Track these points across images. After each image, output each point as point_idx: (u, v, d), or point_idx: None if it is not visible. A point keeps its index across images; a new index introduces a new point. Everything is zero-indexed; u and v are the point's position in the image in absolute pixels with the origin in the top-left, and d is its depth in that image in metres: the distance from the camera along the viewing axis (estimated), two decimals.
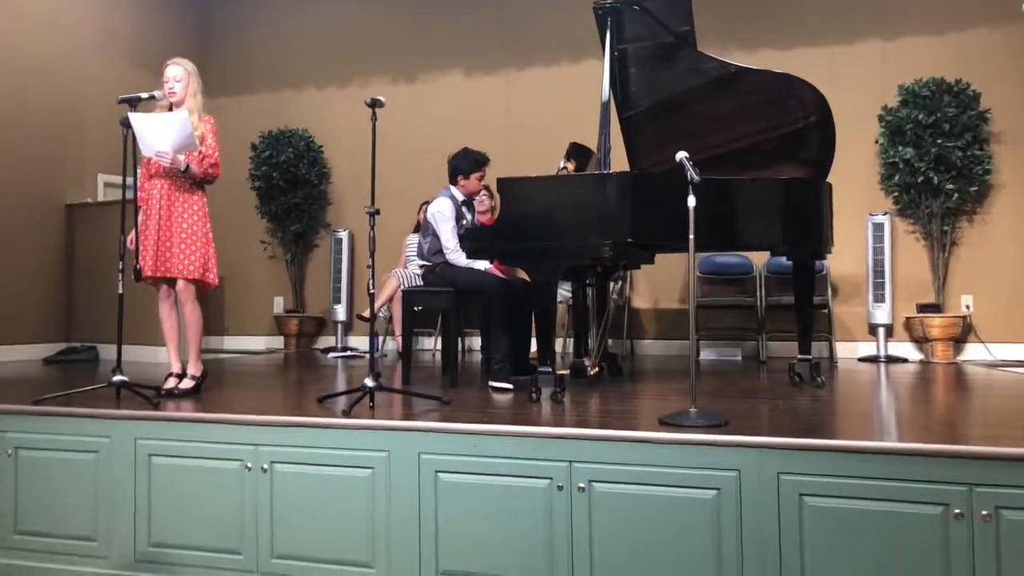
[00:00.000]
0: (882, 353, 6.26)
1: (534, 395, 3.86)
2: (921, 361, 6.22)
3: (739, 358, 6.44)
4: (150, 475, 3.41)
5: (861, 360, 6.29)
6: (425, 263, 4.90)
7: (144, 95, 4.07)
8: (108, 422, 3.50)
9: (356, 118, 3.98)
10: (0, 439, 3.60)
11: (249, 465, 3.29)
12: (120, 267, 4.03)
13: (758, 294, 6.48)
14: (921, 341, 6.27)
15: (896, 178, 6.25)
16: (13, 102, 6.48)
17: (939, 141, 6.07)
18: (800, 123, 4.66)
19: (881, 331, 6.29)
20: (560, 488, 2.94)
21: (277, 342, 7.79)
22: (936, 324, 6.06)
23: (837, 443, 2.79)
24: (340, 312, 7.52)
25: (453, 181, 4.91)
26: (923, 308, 6.17)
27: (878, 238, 6.26)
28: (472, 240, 4.37)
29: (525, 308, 4.75)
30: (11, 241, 6.40)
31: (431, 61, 7.72)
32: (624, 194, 3.91)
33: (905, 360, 6.23)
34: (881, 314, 6.25)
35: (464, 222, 4.85)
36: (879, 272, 6.26)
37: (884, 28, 6.59)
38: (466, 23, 7.62)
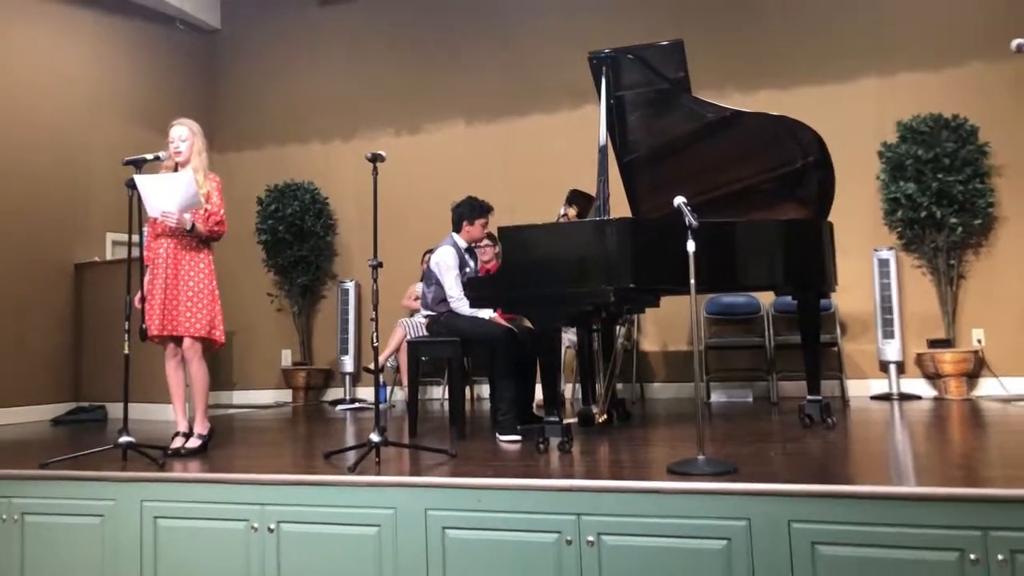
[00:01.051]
0: (894, 390, 6.19)
1: (541, 446, 3.83)
2: (934, 398, 6.15)
3: (750, 399, 6.39)
4: (156, 538, 3.38)
5: (873, 398, 6.23)
6: (430, 312, 4.90)
7: (149, 156, 4.13)
8: (114, 484, 3.49)
9: (361, 170, 4.02)
10: (7, 505, 3.58)
11: (255, 525, 3.26)
12: (126, 327, 4.05)
13: (766, 334, 6.44)
14: (933, 377, 6.20)
15: (899, 213, 6.25)
16: (23, 160, 6.59)
17: (940, 176, 6.08)
18: (799, 163, 4.70)
19: (892, 368, 6.22)
20: (569, 542, 2.90)
21: (285, 395, 7.77)
22: (948, 360, 6.00)
23: (849, 489, 2.74)
24: (348, 363, 7.51)
25: (457, 228, 4.94)
26: (934, 343, 6.11)
27: (884, 273, 6.24)
28: (475, 289, 4.38)
29: (531, 356, 4.73)
30: (20, 300, 6.46)
31: (433, 111, 7.82)
32: (625, 240, 3.92)
33: (918, 397, 6.16)
34: (891, 351, 6.20)
35: (467, 270, 4.86)
36: (887, 308, 6.22)
37: (880, 65, 6.64)
38: (466, 73, 7.73)
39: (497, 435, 4.40)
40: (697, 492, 2.84)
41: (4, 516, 3.57)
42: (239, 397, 7.97)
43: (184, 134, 4.16)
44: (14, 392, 6.30)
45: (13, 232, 6.44)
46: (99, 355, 6.57)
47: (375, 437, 3.59)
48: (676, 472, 3.06)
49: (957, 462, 3.43)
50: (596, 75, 4.58)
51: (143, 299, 4.09)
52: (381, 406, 6.75)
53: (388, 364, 6.86)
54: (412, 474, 3.37)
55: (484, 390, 6.86)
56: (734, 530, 2.73)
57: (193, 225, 4.05)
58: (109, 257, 7.12)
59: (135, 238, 4.12)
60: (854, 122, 6.51)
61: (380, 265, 3.92)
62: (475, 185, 5.67)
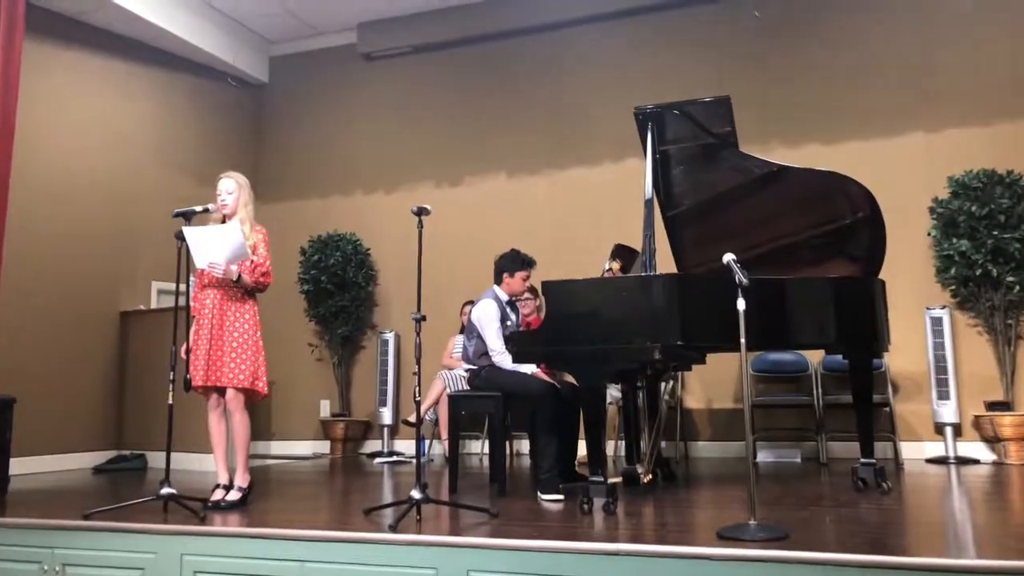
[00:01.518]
0: (951, 454, 5.96)
1: (585, 506, 3.73)
2: (993, 462, 5.91)
3: (798, 459, 6.20)
4: None
5: (929, 461, 6.00)
6: (471, 367, 4.86)
7: (198, 208, 4.19)
8: (155, 537, 3.47)
9: (402, 221, 4.04)
10: (49, 555, 3.57)
11: None
12: (171, 377, 4.07)
13: (815, 392, 6.28)
14: (992, 441, 5.97)
15: (953, 271, 6.09)
16: (74, 209, 6.75)
17: (995, 233, 5.93)
18: (848, 219, 4.63)
19: (948, 430, 6.00)
20: None
21: (323, 446, 7.74)
22: (1007, 423, 5.77)
23: (907, 560, 2.62)
24: (386, 416, 7.46)
25: (498, 281, 4.92)
26: (992, 406, 5.89)
27: (938, 332, 6.06)
28: (518, 343, 4.33)
29: (573, 413, 4.65)
30: (66, 346, 6.54)
31: (475, 165, 7.88)
32: (672, 296, 3.86)
33: (976, 461, 5.92)
34: (947, 412, 5.98)
35: (509, 323, 4.82)
36: (941, 368, 6.03)
37: (929, 119, 6.55)
38: (508, 126, 7.80)
39: (539, 493, 4.31)
40: (748, 559, 2.74)
41: (46, 567, 3.56)
42: (277, 447, 7.95)
43: (231, 187, 4.23)
44: (57, 439, 6.34)
45: (61, 279, 6.57)
46: (141, 403, 6.62)
47: (416, 494, 3.53)
48: (726, 537, 2.96)
49: (1018, 532, 3.26)
50: (642, 130, 4.57)
51: (188, 350, 4.12)
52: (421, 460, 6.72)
53: (427, 418, 6.80)
54: (453, 533, 3.31)
55: (523, 445, 6.77)
56: None
57: (239, 276, 4.09)
58: (154, 306, 7.22)
59: (182, 287, 4.17)
60: (903, 177, 6.41)
61: (423, 318, 3.90)
62: (516, 238, 5.67)
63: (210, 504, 3.96)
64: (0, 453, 4.82)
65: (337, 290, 7.79)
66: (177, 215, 4.14)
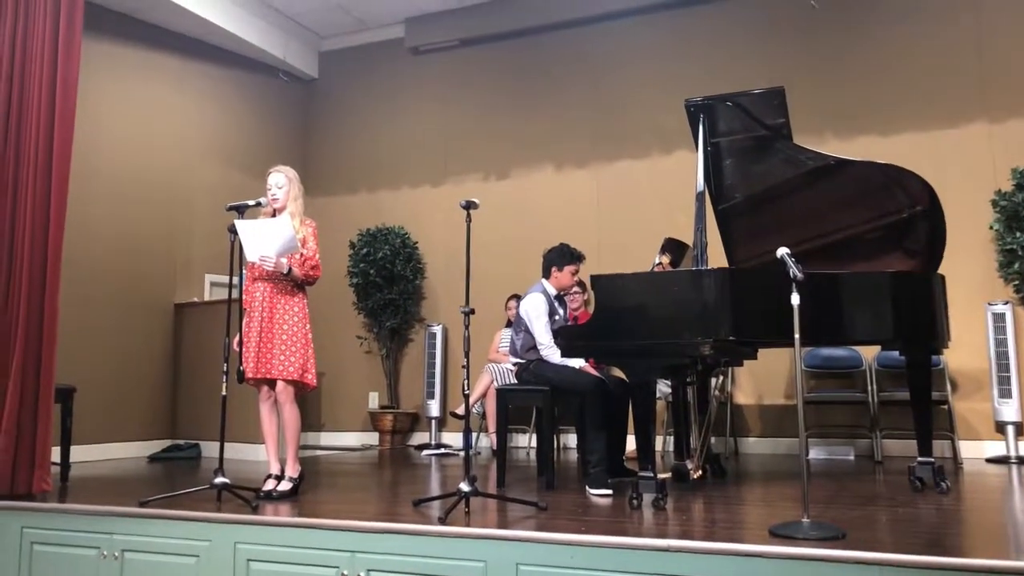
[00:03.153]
0: (1012, 453, 5.78)
1: (634, 502, 3.70)
2: None
3: (851, 457, 6.07)
4: None
5: (989, 461, 5.83)
6: (519, 360, 4.85)
7: (251, 202, 4.25)
8: (210, 525, 3.53)
9: (449, 214, 4.05)
10: (108, 541, 3.66)
11: (346, 572, 3.24)
12: (224, 368, 4.14)
13: (869, 389, 6.14)
14: None
15: (1016, 265, 5.90)
16: (130, 203, 6.90)
17: None
18: (906, 212, 4.51)
19: (1010, 429, 5.82)
20: None
21: (371, 438, 7.82)
22: None
23: (967, 562, 2.55)
24: (434, 408, 7.51)
25: (547, 275, 4.90)
26: None
27: (999, 329, 5.88)
28: (566, 337, 4.31)
29: (621, 407, 4.62)
30: (122, 338, 6.70)
31: (522, 157, 7.86)
32: (723, 290, 3.81)
33: None
34: (1009, 411, 5.81)
35: (557, 317, 4.80)
36: (1003, 365, 5.85)
37: (990, 110, 6.35)
38: (556, 119, 7.76)
39: (588, 488, 4.29)
40: (801, 558, 2.69)
41: (105, 552, 3.65)
42: (326, 439, 8.06)
43: (281, 181, 4.27)
44: (114, 428, 6.51)
45: (118, 273, 6.73)
46: (195, 394, 6.75)
47: (465, 487, 3.54)
48: (779, 535, 2.91)
49: None
50: (693, 122, 4.51)
51: (240, 342, 4.18)
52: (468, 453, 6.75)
53: (475, 411, 6.82)
54: (501, 526, 3.30)
55: (571, 439, 6.75)
56: None
57: (290, 269, 4.14)
58: (207, 298, 7.36)
59: (234, 280, 4.23)
60: (962, 169, 6.22)
61: (472, 312, 3.91)
62: (563, 231, 5.64)
63: (262, 494, 4.02)
64: (62, 440, 4.95)
65: (385, 283, 7.85)
66: (231, 208, 4.20)
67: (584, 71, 7.73)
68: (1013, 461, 5.71)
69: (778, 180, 4.70)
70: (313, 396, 8.06)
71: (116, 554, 3.62)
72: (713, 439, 5.70)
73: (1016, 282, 5.98)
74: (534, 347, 4.72)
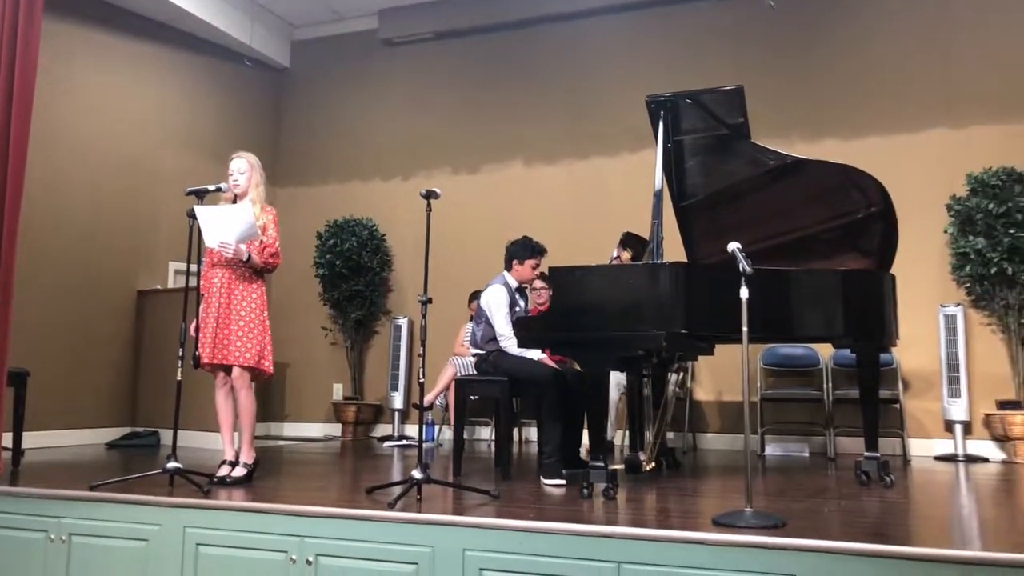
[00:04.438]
0: (960, 452, 5.91)
1: (585, 491, 3.75)
2: (1003, 461, 5.85)
3: (806, 454, 6.18)
4: (197, 564, 3.40)
5: (937, 458, 5.96)
6: (478, 351, 4.88)
7: (211, 187, 4.24)
8: (159, 509, 3.53)
9: (418, 208, 4.05)
10: (56, 525, 3.64)
11: (294, 557, 3.25)
12: (180, 354, 4.13)
13: (825, 387, 6.25)
14: (1002, 440, 5.91)
15: (968, 268, 6.03)
16: (94, 188, 6.84)
17: (1012, 231, 5.86)
18: (861, 213, 4.60)
19: (958, 428, 5.96)
20: None
21: (335, 429, 7.81)
22: (1018, 422, 5.71)
23: (905, 550, 2.62)
24: (397, 400, 7.52)
25: (508, 267, 4.94)
26: (1003, 405, 5.83)
27: (951, 330, 6.01)
28: (524, 328, 4.35)
29: (579, 399, 4.66)
30: (83, 325, 6.64)
31: (492, 153, 7.89)
32: (678, 284, 3.86)
33: (985, 460, 5.87)
34: (957, 410, 5.94)
35: (517, 309, 4.84)
36: (953, 366, 5.98)
37: (949, 117, 6.48)
38: (527, 114, 7.79)
39: (542, 478, 4.33)
40: (741, 545, 2.74)
41: (52, 536, 3.63)
42: (289, 429, 8.04)
43: (243, 167, 4.27)
44: (72, 414, 6.45)
45: (80, 257, 6.66)
46: (155, 382, 6.70)
47: (417, 474, 3.57)
48: (721, 524, 2.97)
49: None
50: (654, 119, 4.56)
51: (198, 328, 4.17)
52: (429, 444, 6.77)
53: (438, 403, 6.84)
54: (451, 513, 3.33)
55: (533, 432, 6.79)
56: None
57: (249, 256, 4.13)
58: (171, 285, 7.31)
59: (193, 267, 4.22)
60: (921, 174, 6.35)
61: (430, 301, 3.93)
62: (532, 226, 5.67)
63: (216, 479, 4.01)
64: (14, 424, 4.90)
65: (352, 275, 7.84)
66: (190, 192, 4.19)
67: (555, 68, 7.77)
68: (960, 459, 5.84)
69: (738, 179, 4.76)
70: (277, 387, 8.04)
71: (64, 538, 3.60)
72: (672, 434, 5.78)
73: (968, 285, 6.12)
74: (494, 338, 4.76)
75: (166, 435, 6.55)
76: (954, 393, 5.94)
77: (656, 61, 7.30)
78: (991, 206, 5.93)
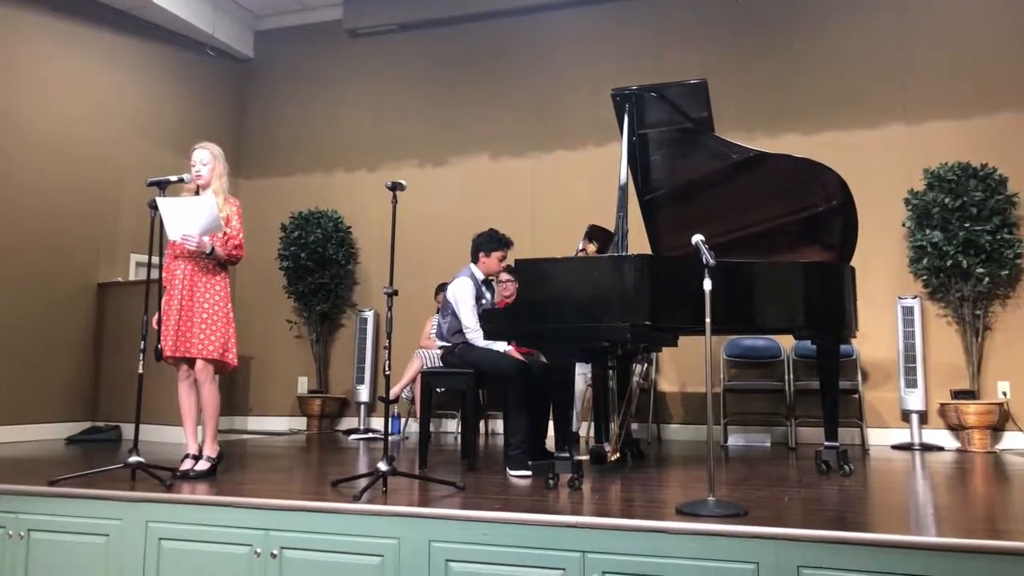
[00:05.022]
0: (916, 440, 6.06)
1: (551, 482, 3.77)
2: (957, 449, 6.01)
3: (768, 444, 6.28)
4: (159, 559, 3.37)
5: (894, 447, 6.09)
6: (444, 343, 4.88)
7: (173, 178, 4.17)
8: (120, 504, 3.48)
9: (384, 200, 4.04)
10: (13, 520, 3.58)
11: (258, 551, 3.23)
12: (142, 347, 4.08)
13: (787, 378, 6.35)
14: (957, 428, 6.06)
15: (925, 261, 6.17)
16: (54, 180, 6.72)
17: (967, 225, 6.00)
18: (822, 207, 4.67)
19: (914, 418, 6.10)
20: None
21: (300, 423, 7.76)
22: (972, 411, 5.87)
23: (863, 536, 2.67)
24: (363, 393, 7.49)
25: (475, 259, 4.94)
26: (958, 394, 5.98)
27: (908, 322, 6.14)
28: (490, 321, 4.35)
29: (545, 391, 4.68)
30: (43, 317, 6.53)
31: (458, 145, 7.88)
32: (642, 276, 3.89)
33: (941, 448, 6.02)
34: (914, 400, 6.08)
35: (484, 301, 4.85)
36: (911, 357, 6.12)
37: (908, 112, 6.61)
38: (493, 107, 7.80)
39: (508, 469, 4.35)
40: (705, 534, 2.78)
41: (11, 532, 3.57)
42: (254, 423, 7.98)
43: (206, 158, 4.21)
44: (30, 409, 6.34)
45: (40, 250, 6.55)
46: (117, 375, 6.61)
47: (383, 466, 3.57)
48: (684, 512, 3.01)
49: (979, 515, 3.33)
50: (619, 112, 4.59)
51: (159, 320, 4.12)
52: (395, 437, 6.76)
53: (404, 395, 6.84)
54: (419, 505, 3.33)
55: (499, 425, 6.81)
56: (742, 573, 2.67)
57: (212, 248, 4.08)
58: (132, 278, 7.20)
59: (155, 259, 4.16)
60: (880, 168, 6.47)
61: (395, 293, 3.92)
62: (498, 219, 5.69)
63: (178, 473, 3.97)
64: None
65: (317, 267, 7.78)
66: (151, 184, 4.13)
67: (521, 60, 7.78)
68: (916, 447, 5.98)
69: (702, 173, 4.82)
70: (241, 380, 7.97)
71: (22, 534, 3.55)
72: (636, 425, 5.83)
73: (925, 277, 6.25)
74: (460, 330, 4.76)
75: (127, 429, 6.46)
76: (911, 383, 6.08)
77: (621, 55, 7.34)
78: (947, 200, 6.06)
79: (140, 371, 4.07)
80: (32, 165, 6.52)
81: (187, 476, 3.99)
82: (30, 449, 5.66)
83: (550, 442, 4.84)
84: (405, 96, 8.13)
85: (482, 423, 6.76)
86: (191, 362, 4.13)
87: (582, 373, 5.88)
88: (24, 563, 3.53)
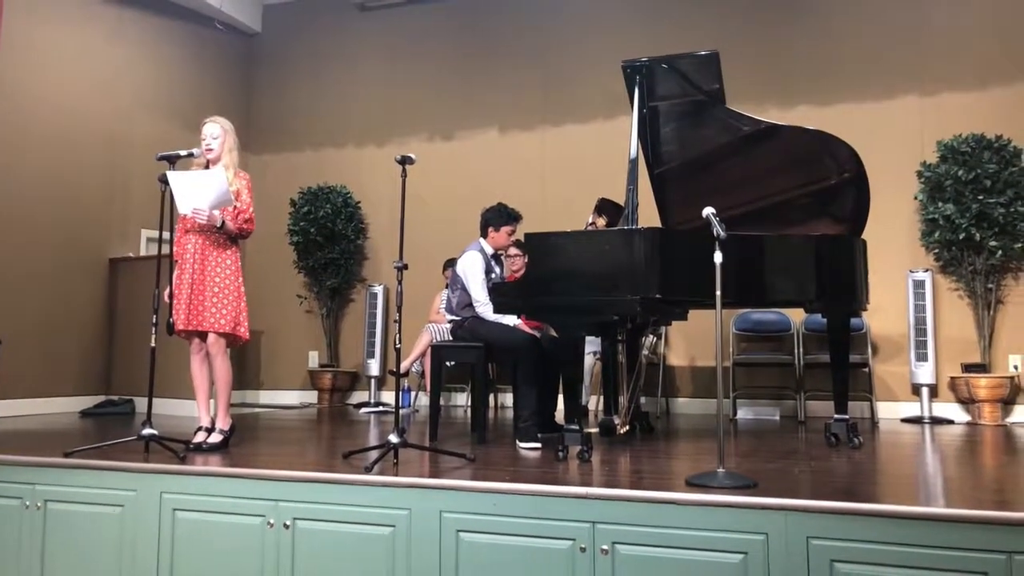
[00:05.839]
0: (926, 414, 6.06)
1: (560, 453, 3.80)
2: (968, 423, 6.01)
3: (777, 418, 6.29)
4: (174, 529, 3.41)
5: (904, 421, 6.10)
6: (454, 317, 4.90)
7: (183, 152, 4.18)
8: (135, 476, 3.52)
9: (393, 175, 4.04)
10: (30, 491, 3.63)
11: (271, 521, 3.27)
12: (154, 321, 4.10)
13: (796, 352, 6.35)
14: (967, 402, 6.05)
15: (937, 234, 6.13)
16: (64, 155, 6.73)
17: (980, 197, 5.95)
18: (834, 179, 4.64)
19: (925, 391, 6.09)
20: (583, 550, 2.87)
21: (311, 397, 7.82)
22: (983, 385, 5.85)
23: (870, 507, 2.69)
24: (373, 367, 7.53)
25: (484, 234, 4.94)
26: (968, 368, 5.97)
27: (919, 295, 6.12)
28: (499, 294, 4.36)
29: (554, 365, 4.70)
30: (55, 293, 6.57)
31: (467, 119, 7.85)
32: (652, 250, 3.88)
33: (951, 421, 6.02)
34: (924, 374, 6.07)
35: (493, 275, 4.85)
36: (921, 330, 6.10)
37: (922, 84, 6.54)
38: (502, 81, 7.75)
39: (517, 442, 4.38)
40: (714, 505, 2.80)
41: (28, 503, 3.62)
42: (265, 397, 8.04)
43: (216, 131, 4.20)
44: (45, 383, 6.41)
45: (52, 225, 6.57)
46: (130, 350, 6.66)
47: (394, 438, 3.59)
48: (694, 484, 3.02)
49: (988, 486, 3.33)
50: (630, 84, 4.56)
51: (171, 294, 4.14)
52: (405, 410, 6.80)
53: (414, 369, 6.87)
54: (429, 476, 3.36)
55: (508, 398, 6.84)
56: (751, 544, 2.69)
57: (223, 222, 4.09)
58: (143, 253, 7.23)
59: (166, 234, 4.17)
60: (893, 141, 6.41)
61: (405, 267, 3.93)
62: (508, 193, 5.67)
63: (191, 446, 4.01)
64: None
65: (326, 242, 7.80)
66: (161, 158, 4.13)
67: (531, 34, 7.72)
68: (927, 421, 5.98)
69: (713, 145, 4.78)
70: (252, 354, 8.02)
71: (39, 504, 3.60)
72: (644, 399, 5.85)
73: (936, 251, 6.22)
74: (469, 304, 4.77)
75: (141, 403, 6.52)
76: (921, 357, 6.07)
77: (631, 27, 7.28)
78: (960, 173, 6.01)
79: (153, 345, 4.10)
80: (43, 140, 6.52)
81: (200, 448, 4.03)
82: (46, 422, 5.73)
83: (559, 415, 4.88)
84: (414, 70, 8.08)
85: (492, 396, 6.79)
86: (203, 336, 4.15)
87: (592, 351, 5.90)
88: (42, 533, 3.58)
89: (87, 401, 6.67)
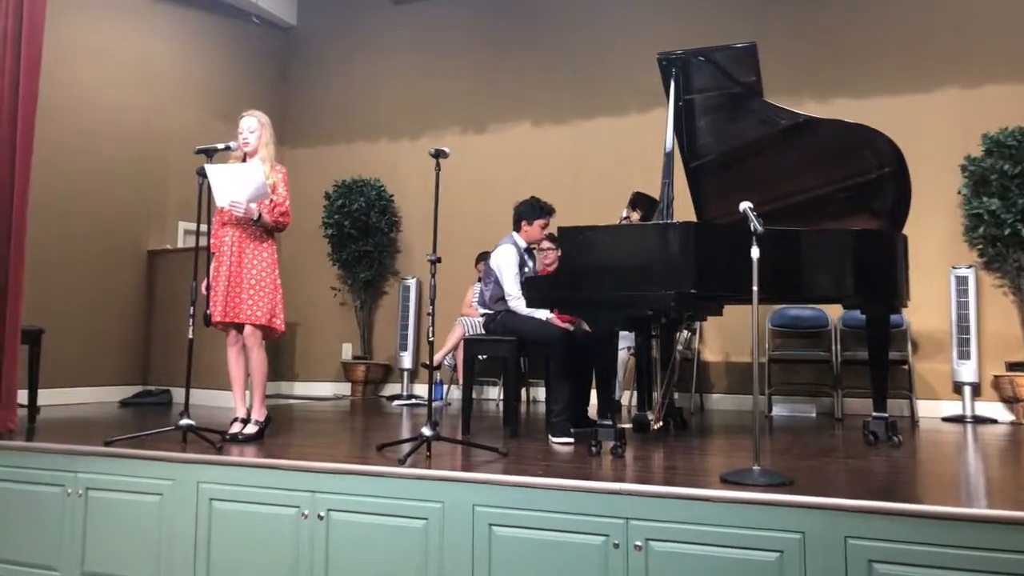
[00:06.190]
0: (968, 413, 5.93)
1: (594, 449, 3.78)
2: (1011, 422, 5.88)
3: (814, 415, 6.20)
4: (211, 518, 3.45)
5: (945, 420, 5.98)
6: (487, 311, 4.89)
7: (220, 146, 4.22)
8: (173, 465, 3.57)
9: (426, 168, 4.04)
10: (72, 479, 3.70)
11: (306, 512, 3.29)
12: (191, 312, 4.15)
13: (833, 348, 6.26)
14: (1011, 401, 5.92)
15: (981, 230, 5.99)
16: (104, 148, 6.84)
17: None
18: (874, 173, 4.55)
19: (967, 390, 5.97)
20: (616, 546, 2.85)
21: (344, 388, 7.88)
22: None
23: (910, 507, 2.63)
24: (406, 360, 7.57)
25: (517, 227, 4.93)
26: (1013, 366, 5.83)
27: (962, 292, 5.99)
28: (533, 288, 4.34)
29: (587, 359, 4.68)
30: (96, 285, 6.69)
31: (500, 112, 7.84)
32: (687, 244, 3.84)
33: (994, 421, 5.89)
34: (967, 372, 5.94)
35: (526, 269, 4.84)
36: (964, 327, 5.97)
37: (964, 76, 6.39)
38: (535, 74, 7.72)
39: (550, 437, 4.37)
40: (749, 502, 2.77)
41: (70, 490, 3.69)
42: (300, 388, 8.11)
43: (253, 125, 4.24)
44: (85, 373, 6.53)
45: (91, 218, 6.69)
46: (167, 341, 6.76)
47: (427, 431, 3.60)
48: (729, 481, 2.99)
49: None
50: (665, 77, 4.50)
51: (208, 286, 4.19)
52: (438, 403, 6.83)
53: (447, 362, 6.89)
54: (461, 469, 3.36)
55: (541, 392, 6.83)
56: (787, 543, 2.65)
57: (260, 215, 4.13)
58: (180, 245, 7.33)
59: (203, 227, 4.22)
60: (935, 134, 6.28)
61: (439, 260, 3.93)
62: (540, 186, 5.65)
63: (227, 436, 4.06)
64: (29, 381, 4.96)
65: (360, 235, 7.85)
66: (199, 151, 4.18)
67: (565, 27, 7.68)
68: (968, 420, 5.86)
69: (750, 139, 4.71)
70: (286, 346, 8.09)
71: (80, 492, 3.67)
72: (678, 394, 5.79)
73: (980, 246, 6.08)
74: (502, 298, 4.77)
75: (178, 393, 6.61)
76: (964, 355, 5.95)
77: (666, 20, 7.21)
78: (1006, 167, 5.87)
79: (190, 336, 4.15)
80: (83, 134, 6.64)
81: (236, 439, 4.07)
82: (86, 411, 5.84)
83: (593, 410, 4.85)
84: (448, 64, 8.09)
85: (524, 391, 6.79)
86: (240, 327, 4.19)
87: (626, 346, 5.86)
88: (83, 519, 3.65)
89: (126, 391, 6.78)
